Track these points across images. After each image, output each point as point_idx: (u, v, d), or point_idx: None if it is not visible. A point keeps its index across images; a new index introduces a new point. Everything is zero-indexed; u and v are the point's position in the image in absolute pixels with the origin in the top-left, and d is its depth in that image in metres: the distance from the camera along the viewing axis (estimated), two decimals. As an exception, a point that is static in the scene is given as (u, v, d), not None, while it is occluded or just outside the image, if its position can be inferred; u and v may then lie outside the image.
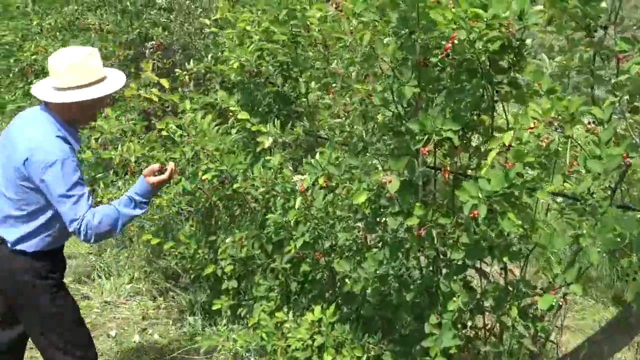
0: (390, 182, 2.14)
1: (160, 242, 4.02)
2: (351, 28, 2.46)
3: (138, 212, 2.89)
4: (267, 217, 3.13)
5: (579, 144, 2.07)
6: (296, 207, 2.70)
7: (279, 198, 3.01)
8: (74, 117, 2.86)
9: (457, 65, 2.12)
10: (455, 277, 2.29)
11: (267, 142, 3.02)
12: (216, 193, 3.81)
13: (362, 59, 2.56)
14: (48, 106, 2.82)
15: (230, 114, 3.80)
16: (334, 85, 2.88)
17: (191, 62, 4.11)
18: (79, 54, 2.80)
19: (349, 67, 2.81)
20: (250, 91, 3.77)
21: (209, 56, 4.23)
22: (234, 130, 3.55)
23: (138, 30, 5.27)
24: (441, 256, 2.38)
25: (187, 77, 3.98)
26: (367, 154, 2.51)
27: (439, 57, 2.19)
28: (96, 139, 4.99)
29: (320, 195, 2.67)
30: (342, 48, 2.60)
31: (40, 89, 2.82)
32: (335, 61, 2.98)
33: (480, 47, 2.01)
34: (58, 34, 5.82)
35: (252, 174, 3.26)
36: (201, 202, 4.23)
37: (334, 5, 2.58)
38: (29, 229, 2.79)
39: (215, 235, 3.88)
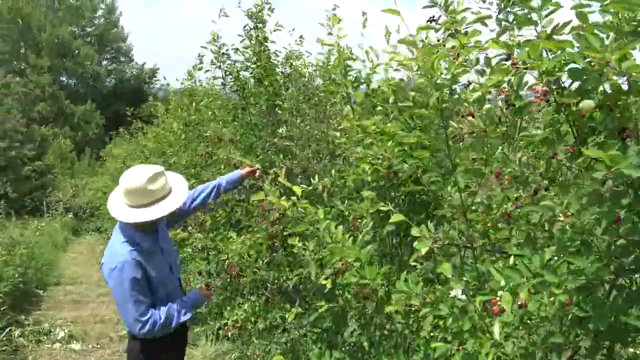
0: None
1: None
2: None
3: (188, 316, 2.73)
4: (431, 346, 2.00)
5: None
6: (496, 336, 1.56)
7: (449, 320, 1.90)
8: (142, 226, 2.60)
9: None
10: None
11: (424, 248, 1.97)
12: (355, 310, 2.75)
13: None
14: None
15: (358, 222, 2.84)
16: (508, 170, 1.86)
17: (316, 177, 3.26)
18: (141, 178, 2.52)
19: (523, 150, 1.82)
20: (384, 196, 2.82)
21: (333, 171, 3.38)
22: (367, 239, 2.57)
23: (261, 159, 4.56)
24: None
25: (320, 187, 3.09)
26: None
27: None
28: (223, 261, 4.17)
29: (516, 316, 1.57)
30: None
31: (113, 203, 2.62)
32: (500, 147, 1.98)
33: None
34: (192, 169, 5.27)
35: (397, 287, 2.22)
36: (331, 320, 3.18)
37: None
38: None
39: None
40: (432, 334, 2.50)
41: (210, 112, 5.72)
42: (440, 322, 2.26)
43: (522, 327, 1.71)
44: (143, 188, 2.50)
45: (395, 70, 3.16)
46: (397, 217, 2.04)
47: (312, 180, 3.21)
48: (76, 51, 33.93)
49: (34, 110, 27.24)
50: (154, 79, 38.08)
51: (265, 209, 3.43)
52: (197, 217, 5.16)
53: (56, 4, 34.45)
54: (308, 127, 4.05)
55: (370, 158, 2.43)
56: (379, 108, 3.18)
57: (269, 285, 4.10)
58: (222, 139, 5.19)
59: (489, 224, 2.13)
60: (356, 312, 2.80)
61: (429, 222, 2.14)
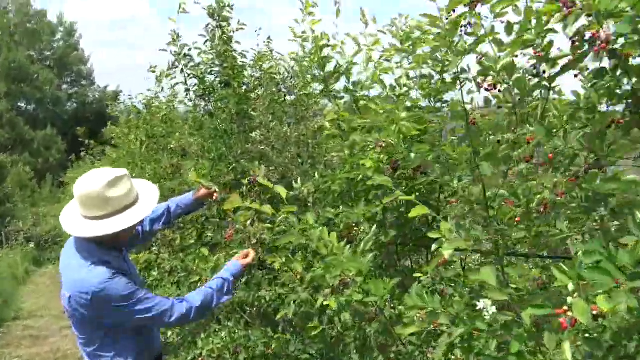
0: None
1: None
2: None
3: (229, 297, 2.33)
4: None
5: None
6: (567, 357, 1.16)
7: (491, 339, 1.50)
8: (105, 243, 2.11)
9: None
10: None
11: (447, 251, 1.58)
12: (354, 331, 2.34)
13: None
14: None
15: (355, 230, 2.44)
16: (554, 149, 1.48)
17: (299, 180, 2.84)
18: (98, 182, 2.03)
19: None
20: (377, 201, 2.42)
21: (317, 174, 2.98)
22: (366, 249, 2.17)
23: (234, 171, 4.12)
24: None
25: (305, 191, 2.68)
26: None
27: None
28: (195, 283, 3.69)
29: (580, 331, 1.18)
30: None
31: (67, 216, 2.13)
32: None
33: None
34: (157, 182, 4.76)
35: (408, 302, 1.84)
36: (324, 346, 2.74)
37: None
38: None
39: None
40: (448, 357, 2.11)
41: (172, 124, 5.27)
42: (457, 341, 1.87)
43: (584, 344, 1.33)
44: (101, 195, 2.03)
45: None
46: (420, 210, 1.63)
47: (294, 184, 2.79)
48: (35, 75, 32.81)
49: (-9, 138, 26.05)
50: (117, 101, 37.08)
51: (231, 236, 2.97)
52: (165, 236, 4.67)
53: (12, 27, 33.30)
54: (285, 128, 3.64)
55: (370, 146, 2.03)
56: (362, 102, 2.83)
57: (247, 308, 3.64)
58: (187, 150, 4.74)
59: (516, 218, 1.75)
60: (355, 336, 2.38)
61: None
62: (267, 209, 2.33)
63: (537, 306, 1.28)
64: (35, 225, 20.29)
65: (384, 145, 1.98)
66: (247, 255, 2.49)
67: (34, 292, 12.14)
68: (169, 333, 4.48)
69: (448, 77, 1.82)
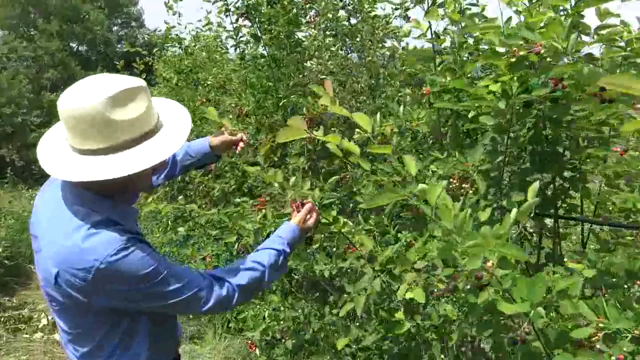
0: None
1: None
2: None
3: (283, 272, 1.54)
4: None
5: None
6: None
7: None
8: (111, 193, 1.28)
9: None
10: None
11: None
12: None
13: None
14: None
15: (470, 190, 1.63)
16: None
17: (377, 117, 2.02)
18: (96, 95, 1.17)
19: None
20: (497, 148, 1.60)
21: (401, 109, 2.15)
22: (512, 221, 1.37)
23: (282, 108, 3.34)
24: None
25: (387, 128, 1.88)
26: None
27: None
28: (233, 243, 3.01)
29: None
30: None
31: (47, 148, 1.29)
32: None
33: None
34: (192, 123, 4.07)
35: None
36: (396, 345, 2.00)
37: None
38: None
39: None
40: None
41: (196, 57, 4.49)
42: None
43: None
44: (100, 115, 1.18)
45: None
46: None
47: (374, 120, 1.97)
48: (86, 15, 32.54)
49: (44, 77, 26.15)
50: (165, 44, 36.50)
51: (264, 204, 2.19)
52: (201, 184, 3.99)
53: (63, -34, 32.87)
54: (350, 54, 2.79)
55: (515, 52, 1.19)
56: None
57: (295, 275, 2.94)
58: (224, 85, 3.97)
59: None
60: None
61: None
62: (364, 119, 1.41)
63: None
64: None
65: (540, 50, 1.13)
66: (308, 211, 1.63)
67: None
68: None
69: None
